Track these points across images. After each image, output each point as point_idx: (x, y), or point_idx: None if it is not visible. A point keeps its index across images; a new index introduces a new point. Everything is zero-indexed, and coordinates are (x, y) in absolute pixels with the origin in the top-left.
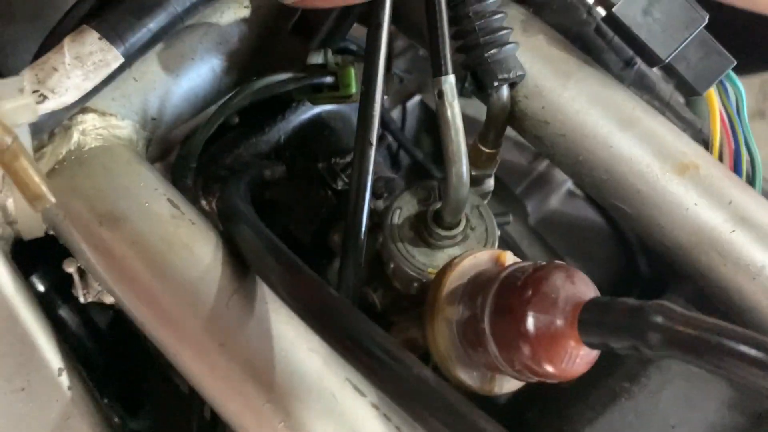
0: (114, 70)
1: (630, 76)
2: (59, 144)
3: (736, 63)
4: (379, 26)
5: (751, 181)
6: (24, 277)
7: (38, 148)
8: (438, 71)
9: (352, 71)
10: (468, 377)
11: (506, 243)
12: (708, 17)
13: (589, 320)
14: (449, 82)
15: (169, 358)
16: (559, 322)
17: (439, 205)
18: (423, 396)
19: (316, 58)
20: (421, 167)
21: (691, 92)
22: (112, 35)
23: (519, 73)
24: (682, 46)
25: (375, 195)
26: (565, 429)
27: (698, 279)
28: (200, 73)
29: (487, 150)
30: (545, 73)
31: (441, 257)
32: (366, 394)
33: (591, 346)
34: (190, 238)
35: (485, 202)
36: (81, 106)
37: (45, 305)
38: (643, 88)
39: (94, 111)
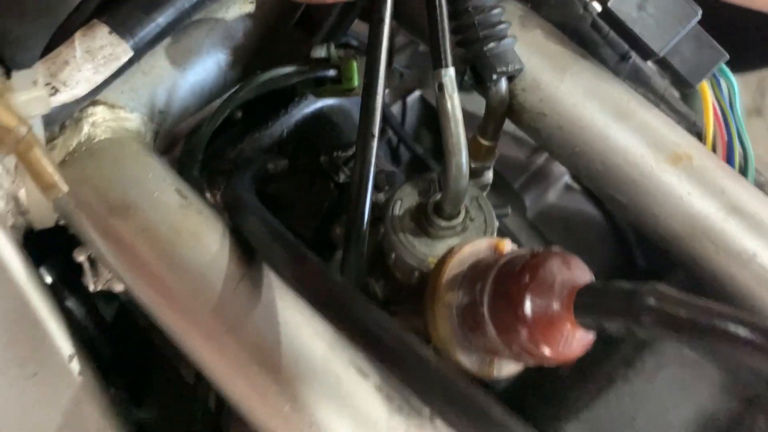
0: (123, 64)
1: (625, 70)
2: (70, 136)
3: (728, 57)
4: (381, 21)
5: (743, 172)
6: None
7: (49, 140)
8: (438, 64)
9: (355, 65)
10: (467, 361)
11: (504, 235)
12: (701, 12)
13: (585, 304)
14: (449, 74)
15: (178, 344)
16: (556, 305)
17: (439, 196)
18: (425, 374)
19: (320, 52)
20: (421, 162)
21: (684, 85)
22: (122, 29)
23: (517, 66)
24: (676, 40)
25: (376, 188)
26: (563, 412)
27: (692, 267)
28: (206, 67)
29: (486, 142)
30: (543, 66)
31: (441, 247)
32: (369, 376)
33: (587, 328)
34: (198, 226)
35: (484, 194)
36: (91, 99)
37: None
38: (638, 81)
39: (104, 104)
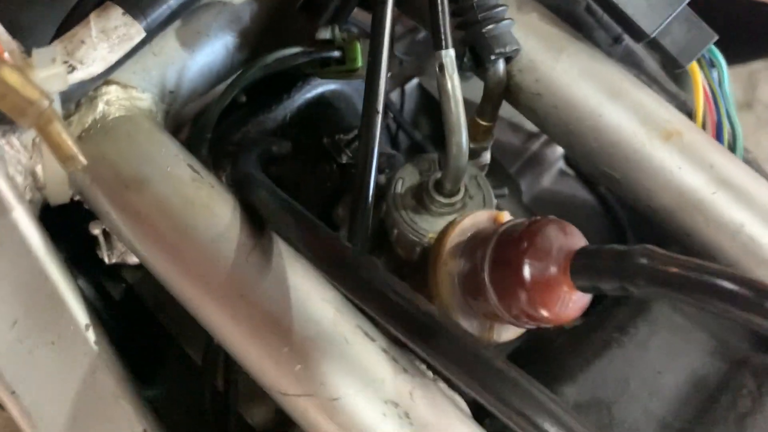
0: (136, 45)
1: (618, 53)
2: (85, 113)
3: (718, 37)
4: (385, 1)
5: (732, 149)
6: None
7: (66, 117)
8: (439, 45)
9: (358, 46)
10: (468, 326)
11: None
12: None
13: (580, 266)
14: (449, 55)
15: (192, 312)
16: (553, 269)
17: (439, 174)
18: (431, 331)
19: (324, 34)
20: (420, 148)
21: (675, 66)
22: (135, 11)
23: (515, 47)
24: (667, 21)
25: (377, 169)
26: (560, 375)
27: (683, 239)
28: (214, 49)
29: (484, 123)
30: (538, 48)
31: (441, 224)
32: (375, 339)
33: (583, 290)
34: (210, 199)
35: (483, 174)
36: (105, 78)
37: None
38: (630, 63)
39: (117, 83)
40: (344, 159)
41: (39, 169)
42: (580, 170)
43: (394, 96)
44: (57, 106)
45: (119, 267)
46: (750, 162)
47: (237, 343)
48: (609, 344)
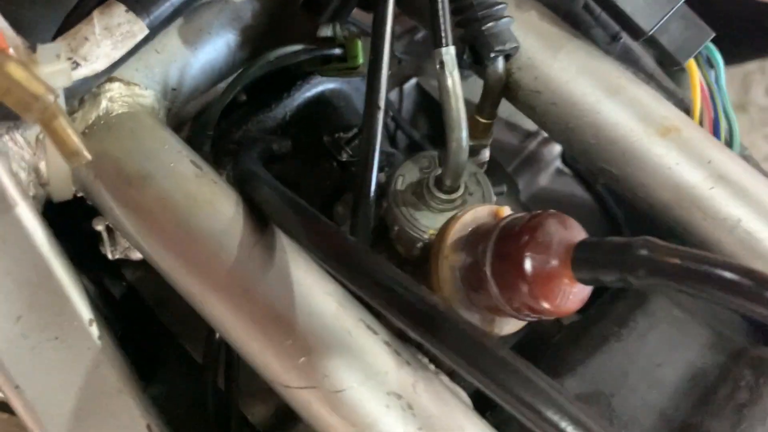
0: (139, 42)
1: (616, 50)
2: (89, 110)
3: (714, 34)
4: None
5: (729, 145)
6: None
7: (69, 114)
8: (439, 43)
9: (359, 43)
10: (470, 319)
11: None
12: None
13: (581, 258)
14: (450, 53)
15: (196, 307)
16: (554, 262)
17: (439, 171)
18: (435, 321)
19: (326, 32)
20: (418, 147)
21: (673, 63)
22: (138, 8)
23: (514, 45)
24: (665, 19)
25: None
26: (560, 369)
27: (681, 234)
28: (216, 47)
29: (483, 120)
30: (537, 46)
31: (441, 220)
32: (378, 332)
33: (584, 282)
34: (213, 195)
35: (482, 171)
36: (108, 75)
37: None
38: (628, 61)
39: (120, 80)
40: (344, 157)
41: (42, 165)
42: (576, 169)
43: (393, 95)
44: (62, 101)
45: (120, 265)
46: (747, 159)
47: (241, 337)
48: (608, 338)
